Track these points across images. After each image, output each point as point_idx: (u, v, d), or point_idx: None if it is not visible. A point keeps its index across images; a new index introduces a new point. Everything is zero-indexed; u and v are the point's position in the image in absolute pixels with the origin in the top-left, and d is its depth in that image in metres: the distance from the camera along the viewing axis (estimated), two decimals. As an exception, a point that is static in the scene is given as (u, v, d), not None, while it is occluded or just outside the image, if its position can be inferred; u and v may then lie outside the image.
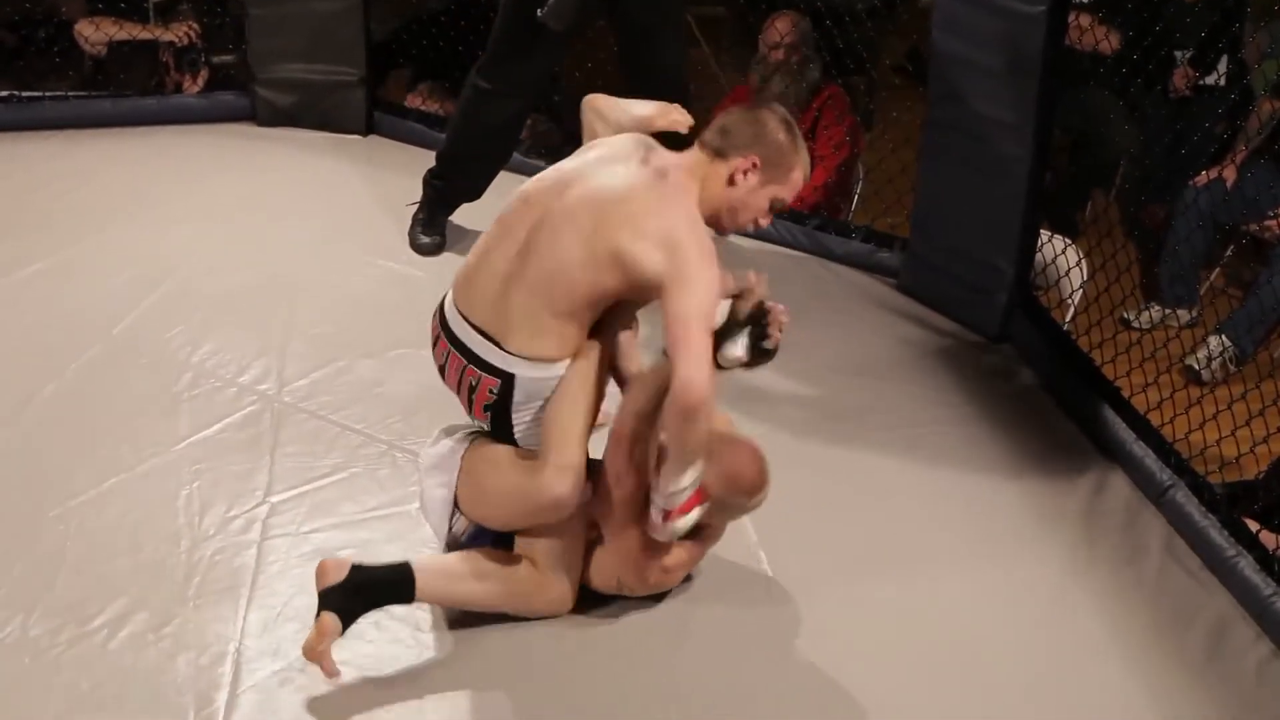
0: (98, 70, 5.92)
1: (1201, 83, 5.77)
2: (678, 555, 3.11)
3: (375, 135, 5.76)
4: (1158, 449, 3.79)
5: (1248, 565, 3.37)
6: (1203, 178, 5.15)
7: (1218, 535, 3.48)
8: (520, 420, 2.97)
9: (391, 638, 3.03)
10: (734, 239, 5.07)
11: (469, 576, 3.06)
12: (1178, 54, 5.71)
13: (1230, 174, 5.13)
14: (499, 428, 3.00)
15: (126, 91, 5.82)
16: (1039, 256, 4.57)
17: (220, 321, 4.24)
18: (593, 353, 2.93)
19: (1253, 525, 3.49)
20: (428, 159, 4.84)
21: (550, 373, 2.92)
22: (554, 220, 2.91)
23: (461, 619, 3.10)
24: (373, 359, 4.08)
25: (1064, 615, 3.30)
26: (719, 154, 2.99)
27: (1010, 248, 4.42)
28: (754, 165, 2.97)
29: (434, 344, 3.08)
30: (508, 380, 2.93)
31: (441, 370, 3.07)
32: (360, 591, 2.94)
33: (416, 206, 4.82)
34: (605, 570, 3.13)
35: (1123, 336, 4.43)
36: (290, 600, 3.11)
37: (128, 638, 2.97)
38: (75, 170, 5.32)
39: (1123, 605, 3.34)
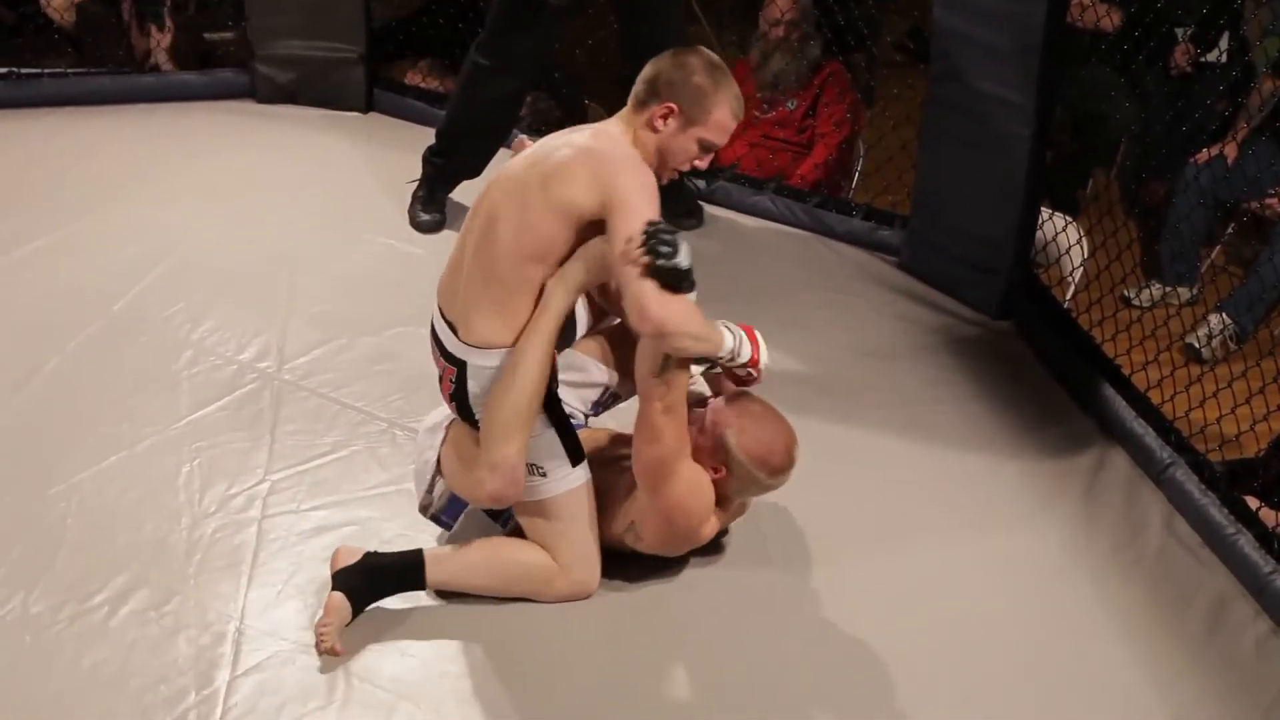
0: (69, 41, 5.91)
1: (1203, 60, 5.75)
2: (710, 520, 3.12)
3: (375, 112, 5.74)
4: (1158, 427, 3.79)
5: (1247, 543, 3.38)
6: (1204, 155, 5.14)
7: (1217, 513, 3.48)
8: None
9: (392, 616, 3.04)
10: (732, 216, 5.12)
11: (483, 566, 3.08)
12: (1179, 31, 5.69)
13: (1231, 151, 5.12)
14: (465, 417, 3.05)
15: (99, 62, 5.81)
16: (1039, 234, 4.56)
17: (220, 299, 4.23)
18: (530, 342, 2.92)
19: (1253, 502, 3.49)
20: (427, 136, 4.83)
21: (496, 361, 2.96)
22: (499, 198, 2.96)
23: (467, 596, 3.10)
24: (373, 336, 4.07)
25: (1063, 593, 3.30)
26: (641, 103, 2.99)
27: (1011, 225, 4.41)
28: (670, 110, 2.96)
29: (431, 328, 3.14)
30: (461, 369, 2.99)
31: (432, 356, 3.14)
32: (371, 575, 3.00)
33: (416, 184, 4.81)
34: (623, 519, 3.13)
35: (1123, 314, 4.44)
36: (291, 577, 3.12)
37: (129, 615, 2.97)
38: (75, 148, 5.31)
39: (1122, 583, 3.34)
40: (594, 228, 2.89)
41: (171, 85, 5.84)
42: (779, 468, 3.09)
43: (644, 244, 2.77)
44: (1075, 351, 4.18)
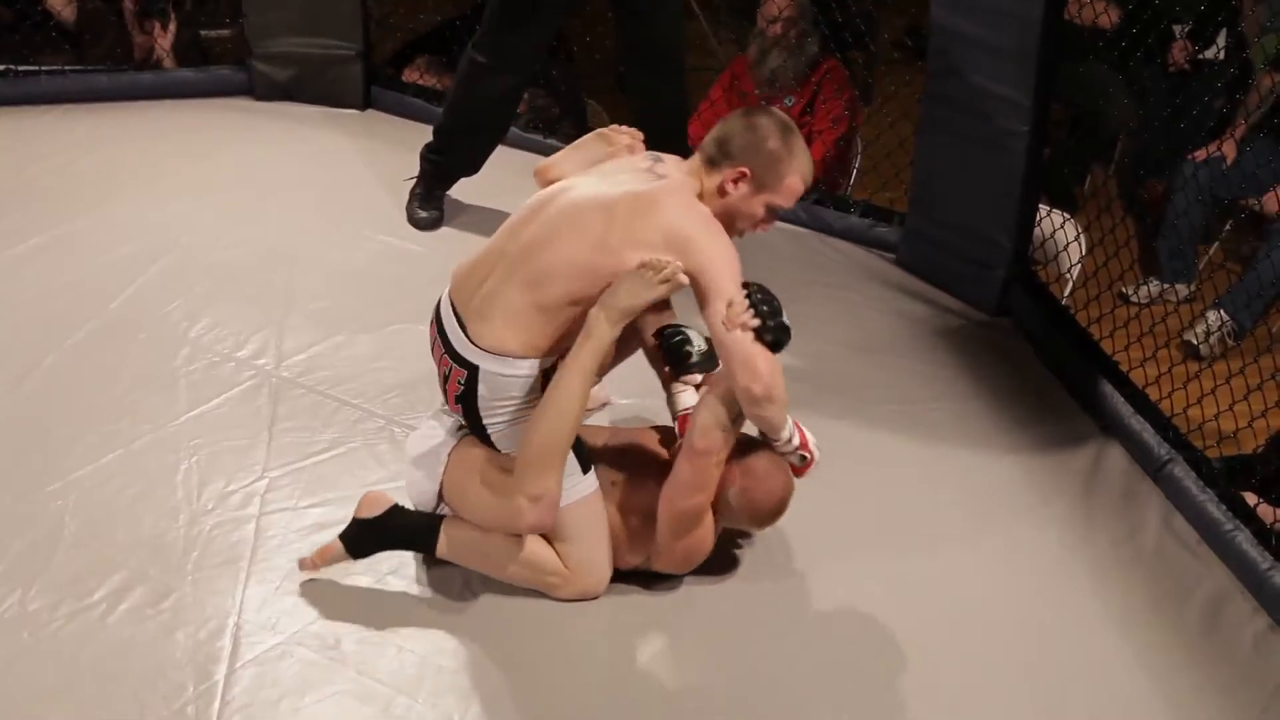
0: (67, 38, 5.91)
1: (1200, 57, 5.75)
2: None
3: (373, 110, 5.74)
4: (1156, 423, 3.79)
5: (1245, 539, 3.38)
6: (1202, 153, 5.14)
7: (1215, 509, 3.48)
8: (493, 420, 3.00)
9: (389, 611, 3.05)
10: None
11: (494, 555, 3.09)
12: (1176, 28, 5.70)
13: (1230, 151, 5.12)
14: (472, 422, 3.04)
15: (98, 59, 5.80)
16: (1037, 231, 4.56)
17: (218, 296, 4.23)
18: (571, 370, 2.90)
19: (1251, 499, 3.50)
20: (426, 133, 4.83)
21: (513, 370, 2.95)
22: (558, 219, 2.93)
23: (465, 590, 3.11)
24: (371, 334, 4.07)
25: (1061, 589, 3.31)
26: (713, 163, 2.99)
27: (1009, 222, 4.41)
28: (743, 175, 2.96)
29: (430, 325, 3.12)
30: (473, 372, 2.96)
31: (432, 347, 3.11)
32: (384, 531, 3.08)
33: (414, 181, 4.81)
34: (640, 553, 3.15)
35: (1121, 311, 4.43)
36: (289, 573, 3.12)
37: (127, 612, 2.98)
38: (72, 145, 5.30)
39: (1120, 579, 3.35)
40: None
41: (169, 83, 5.83)
42: (766, 521, 3.16)
43: (752, 306, 2.85)
44: (1073, 348, 4.18)
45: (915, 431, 3.88)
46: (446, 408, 3.15)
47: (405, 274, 4.42)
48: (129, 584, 3.05)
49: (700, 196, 2.98)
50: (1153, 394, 3.94)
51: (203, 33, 6.25)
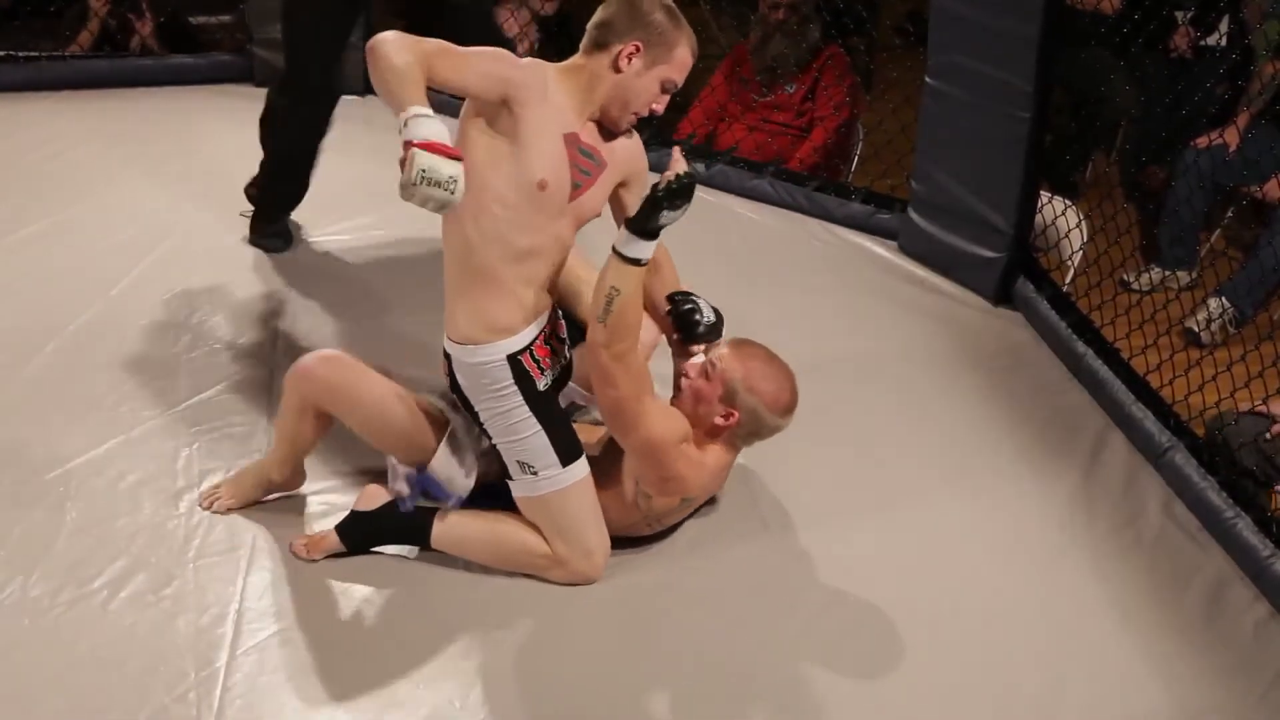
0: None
1: (1203, 43, 5.74)
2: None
3: (373, 95, 5.70)
4: (1157, 410, 3.79)
5: (1246, 526, 3.38)
6: (1204, 140, 5.13)
7: (1216, 496, 3.48)
8: (480, 410, 3.05)
9: (390, 596, 3.05)
10: (731, 200, 5.11)
11: (488, 544, 3.12)
12: (1179, 14, 5.68)
13: (1232, 138, 5.11)
14: (466, 407, 3.09)
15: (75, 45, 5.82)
16: (1039, 218, 4.56)
17: (218, 283, 4.23)
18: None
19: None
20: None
21: (476, 356, 2.99)
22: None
23: (467, 575, 3.12)
24: (372, 320, 4.07)
25: (1062, 575, 3.30)
26: (599, 46, 2.98)
27: (1010, 209, 4.41)
28: (636, 49, 2.95)
29: None
30: (449, 362, 3.06)
31: None
32: (380, 525, 3.13)
33: (251, 214, 4.64)
34: (630, 485, 3.15)
35: (1122, 298, 4.44)
36: (290, 561, 3.12)
37: (128, 599, 2.97)
38: (72, 131, 5.31)
39: (1121, 566, 3.35)
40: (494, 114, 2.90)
41: (169, 69, 5.84)
42: (787, 406, 3.18)
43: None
44: (1074, 335, 4.17)
45: (916, 417, 3.88)
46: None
47: (406, 261, 4.42)
48: (130, 570, 3.05)
49: (588, 91, 2.98)
50: (1154, 381, 3.94)
51: (198, 19, 6.23)
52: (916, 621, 3.10)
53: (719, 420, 3.12)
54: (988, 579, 3.27)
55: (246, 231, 4.58)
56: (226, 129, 5.41)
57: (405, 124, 2.83)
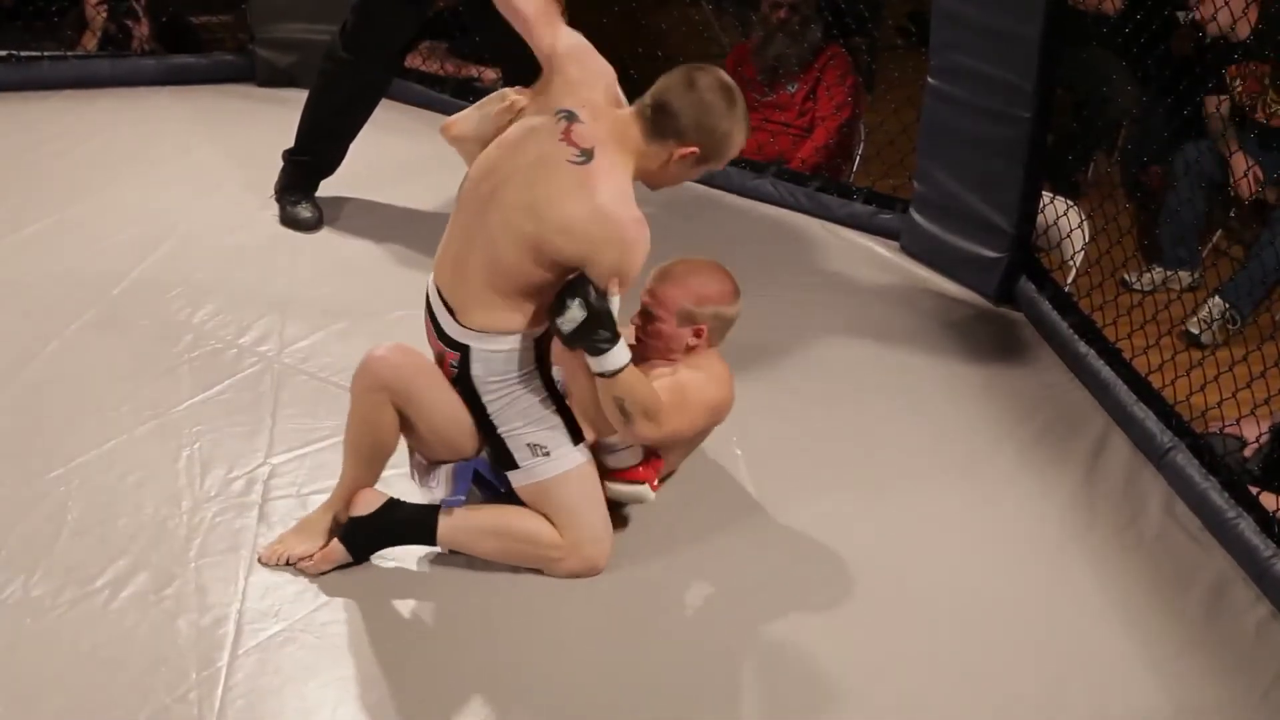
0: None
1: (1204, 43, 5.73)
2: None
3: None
4: (1158, 411, 3.79)
5: (1248, 527, 3.37)
6: (1212, 102, 5.14)
7: (1218, 497, 3.48)
8: (490, 397, 3.03)
9: (392, 597, 3.05)
10: (733, 200, 5.11)
11: (494, 537, 3.12)
12: (1180, 14, 5.68)
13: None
14: (470, 401, 3.06)
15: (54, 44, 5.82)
16: (1040, 218, 4.56)
17: (221, 282, 4.23)
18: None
19: (1252, 488, 3.49)
20: (428, 119, 4.83)
21: (503, 345, 2.99)
22: (493, 211, 2.93)
23: (467, 576, 3.12)
24: (374, 320, 4.07)
25: (1063, 575, 3.30)
26: (657, 134, 2.94)
27: (1012, 209, 4.41)
28: (694, 154, 2.96)
29: (425, 311, 3.16)
30: (464, 353, 3.00)
31: (428, 339, 3.16)
32: (384, 524, 3.09)
33: (281, 186, 4.75)
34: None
35: (1124, 298, 4.44)
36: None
37: (129, 598, 2.97)
38: (74, 130, 5.31)
39: (1122, 566, 3.35)
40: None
41: (171, 69, 5.83)
42: (735, 291, 3.30)
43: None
44: (1076, 335, 4.17)
45: (917, 417, 3.88)
46: None
47: (408, 260, 4.42)
48: (131, 570, 3.05)
49: (635, 161, 2.96)
50: (1155, 381, 3.94)
51: (200, 19, 6.23)
52: (916, 620, 3.11)
53: (692, 342, 3.26)
54: (988, 579, 3.27)
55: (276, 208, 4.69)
56: (228, 128, 5.42)
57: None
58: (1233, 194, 5.18)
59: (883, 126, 5.37)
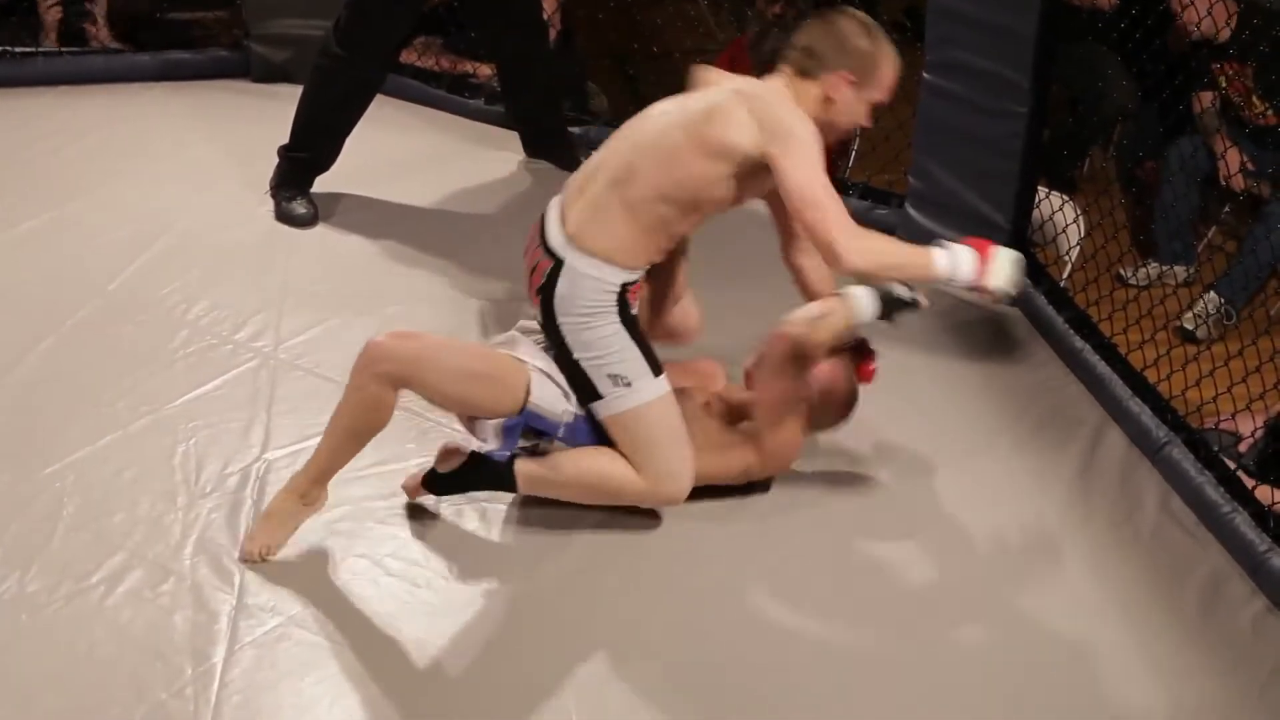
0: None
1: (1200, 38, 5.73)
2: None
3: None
4: (1154, 405, 3.80)
5: (1243, 521, 3.38)
6: (1208, 95, 5.15)
7: (1213, 491, 3.48)
8: (565, 319, 3.09)
9: (387, 593, 3.05)
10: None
11: (573, 482, 3.18)
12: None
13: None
14: (546, 316, 3.12)
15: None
16: (1036, 213, 4.56)
17: (216, 278, 4.23)
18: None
19: (1248, 481, 3.49)
20: (424, 115, 4.83)
21: (595, 271, 3.05)
22: (660, 123, 3.09)
23: (464, 572, 3.12)
24: (369, 316, 4.07)
25: (1059, 570, 3.31)
26: (807, 74, 3.11)
27: (1008, 204, 4.41)
28: (848, 81, 3.09)
29: (533, 226, 3.22)
30: (558, 265, 3.07)
31: (525, 249, 3.22)
32: (468, 480, 3.20)
33: (277, 183, 4.75)
34: (737, 463, 3.32)
35: (1119, 293, 4.44)
36: (286, 555, 3.12)
37: (125, 594, 2.97)
38: (69, 127, 5.30)
39: (1118, 561, 3.35)
40: (753, 170, 3.02)
41: (167, 64, 5.83)
42: (847, 402, 3.49)
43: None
44: (1072, 330, 4.17)
45: (912, 412, 3.88)
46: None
47: (403, 255, 4.42)
48: (127, 566, 3.05)
49: (798, 106, 3.08)
50: (1151, 376, 3.94)
51: (191, 15, 6.23)
52: (910, 616, 3.11)
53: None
54: (983, 574, 3.27)
55: (271, 205, 4.70)
56: (224, 125, 5.42)
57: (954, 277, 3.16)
58: (1226, 188, 5.18)
59: (878, 122, 5.36)
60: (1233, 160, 5.06)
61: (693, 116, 3.05)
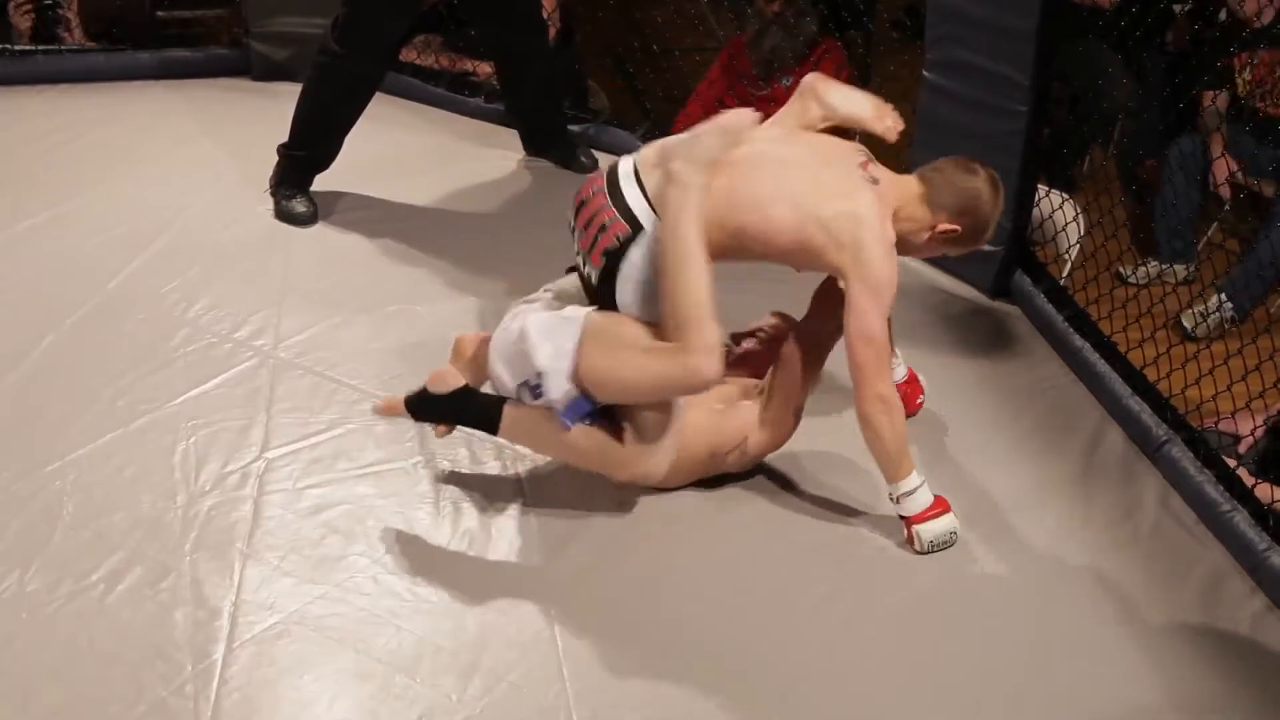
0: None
1: (1200, 37, 5.74)
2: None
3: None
4: (1154, 404, 3.79)
5: (1243, 520, 3.38)
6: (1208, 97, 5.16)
7: (1213, 490, 3.48)
8: (628, 285, 3.10)
9: (387, 590, 3.05)
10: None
11: (556, 436, 3.14)
12: (1176, 7, 5.69)
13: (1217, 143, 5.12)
14: (605, 280, 3.12)
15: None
16: (1036, 211, 4.56)
17: (216, 276, 4.23)
18: (682, 225, 3.01)
19: (1248, 479, 3.49)
20: (423, 114, 4.82)
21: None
22: (772, 157, 3.19)
23: (463, 569, 3.12)
24: (369, 314, 4.07)
25: (1059, 569, 3.30)
26: (930, 200, 3.25)
27: (1008, 202, 4.39)
28: (956, 231, 3.25)
29: (586, 184, 3.23)
30: (637, 232, 3.08)
31: (578, 208, 3.20)
32: (452, 407, 3.21)
33: (276, 181, 4.75)
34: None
35: (1119, 292, 4.43)
36: (286, 554, 3.12)
37: (125, 592, 2.98)
38: (69, 125, 5.30)
39: (1118, 559, 3.35)
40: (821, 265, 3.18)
41: (167, 63, 5.83)
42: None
43: None
44: (1071, 328, 4.17)
45: (913, 412, 3.89)
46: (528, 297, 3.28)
47: (403, 253, 4.42)
48: (127, 564, 3.05)
49: (899, 213, 3.23)
50: (1151, 374, 3.94)
51: (190, 13, 6.23)
52: (909, 614, 3.11)
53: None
54: (982, 573, 3.27)
55: (271, 203, 4.71)
56: (224, 123, 5.42)
57: (902, 499, 3.25)
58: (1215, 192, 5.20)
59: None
60: (1222, 169, 5.07)
61: (818, 213, 3.13)
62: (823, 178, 3.17)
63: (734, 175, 3.13)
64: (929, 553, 3.24)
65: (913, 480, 3.22)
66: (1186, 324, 4.73)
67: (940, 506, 3.25)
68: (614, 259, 3.11)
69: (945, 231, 3.27)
